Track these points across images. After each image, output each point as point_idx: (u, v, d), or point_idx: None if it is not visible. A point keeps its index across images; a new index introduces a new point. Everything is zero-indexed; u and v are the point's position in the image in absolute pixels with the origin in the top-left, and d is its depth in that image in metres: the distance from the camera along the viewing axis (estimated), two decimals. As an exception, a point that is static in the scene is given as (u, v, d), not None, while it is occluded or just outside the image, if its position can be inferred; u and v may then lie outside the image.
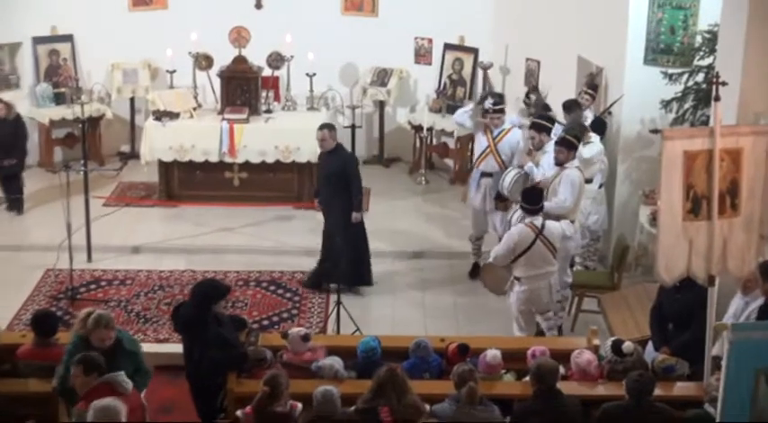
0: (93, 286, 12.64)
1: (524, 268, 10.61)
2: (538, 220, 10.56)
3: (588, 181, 12.03)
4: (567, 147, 11.26)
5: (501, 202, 12.31)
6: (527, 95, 13.67)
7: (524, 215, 10.60)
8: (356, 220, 12.33)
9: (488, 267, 11.32)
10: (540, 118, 12.12)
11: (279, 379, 8.15)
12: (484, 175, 12.71)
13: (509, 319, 11.57)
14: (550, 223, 10.67)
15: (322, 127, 12.47)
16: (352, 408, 8.07)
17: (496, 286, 11.34)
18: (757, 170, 8.43)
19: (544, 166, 11.54)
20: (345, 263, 12.05)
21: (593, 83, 13.09)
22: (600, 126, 12.38)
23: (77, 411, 7.61)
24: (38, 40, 16.09)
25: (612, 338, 9.41)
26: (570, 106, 12.60)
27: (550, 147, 11.53)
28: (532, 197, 10.66)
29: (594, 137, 12.10)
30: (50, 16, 15.93)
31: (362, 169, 13.98)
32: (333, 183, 12.39)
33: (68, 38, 16.24)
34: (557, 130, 12.02)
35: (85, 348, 8.24)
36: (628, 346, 9.04)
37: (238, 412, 8.21)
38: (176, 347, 9.57)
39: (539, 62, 14.20)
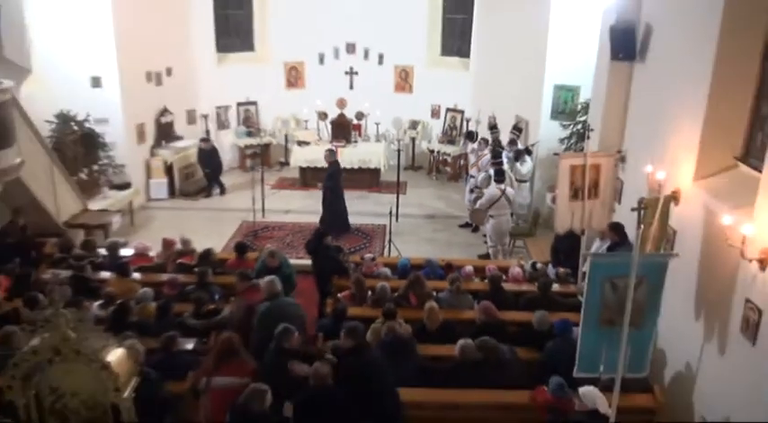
0: (265, 230, 12.67)
1: (495, 211, 10.81)
2: (502, 187, 10.81)
3: (525, 181, 12.11)
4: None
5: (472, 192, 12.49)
6: (490, 129, 13.41)
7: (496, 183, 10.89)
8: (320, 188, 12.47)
9: (476, 211, 11.43)
10: (495, 146, 12.07)
11: (360, 278, 8.35)
12: (471, 176, 12.82)
13: (474, 250, 11.73)
14: (509, 189, 10.97)
15: (326, 150, 12.69)
16: (396, 294, 8.16)
17: (479, 220, 11.64)
18: (609, 175, 8.50)
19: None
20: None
21: (517, 126, 12.94)
22: (528, 152, 12.26)
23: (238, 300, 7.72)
24: (239, 104, 16.10)
25: (531, 261, 9.60)
26: (511, 141, 12.58)
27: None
28: (500, 174, 10.93)
29: (528, 158, 12.05)
30: (246, 91, 15.92)
31: (403, 173, 14.03)
32: (325, 180, 12.47)
33: (254, 102, 16.21)
34: (507, 153, 12.15)
35: (265, 266, 8.36)
36: (539, 265, 9.24)
37: (339, 294, 8.31)
38: (307, 262, 9.62)
39: (496, 117, 13.83)
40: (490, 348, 6.42)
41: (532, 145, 12.50)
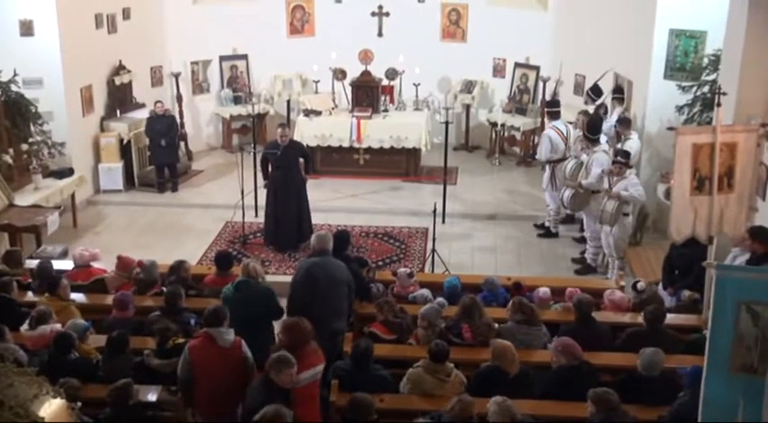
0: (258, 234, 12.64)
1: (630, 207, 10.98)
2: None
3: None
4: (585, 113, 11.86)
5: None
6: (589, 92, 13.27)
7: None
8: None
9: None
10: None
11: (390, 302, 8.34)
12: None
13: (556, 264, 11.85)
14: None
15: (278, 126, 12.34)
16: (443, 325, 8.08)
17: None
18: (748, 158, 8.41)
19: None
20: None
21: (619, 87, 12.88)
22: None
23: None
24: (223, 58, 16.26)
25: (633, 280, 9.46)
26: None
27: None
28: (626, 156, 10.82)
29: (633, 134, 11.89)
30: (232, 41, 16.05)
31: (453, 155, 14.07)
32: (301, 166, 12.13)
33: (244, 56, 16.35)
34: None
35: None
36: (641, 284, 9.15)
37: (368, 328, 8.26)
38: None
39: (584, 76, 13.89)
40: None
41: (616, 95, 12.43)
